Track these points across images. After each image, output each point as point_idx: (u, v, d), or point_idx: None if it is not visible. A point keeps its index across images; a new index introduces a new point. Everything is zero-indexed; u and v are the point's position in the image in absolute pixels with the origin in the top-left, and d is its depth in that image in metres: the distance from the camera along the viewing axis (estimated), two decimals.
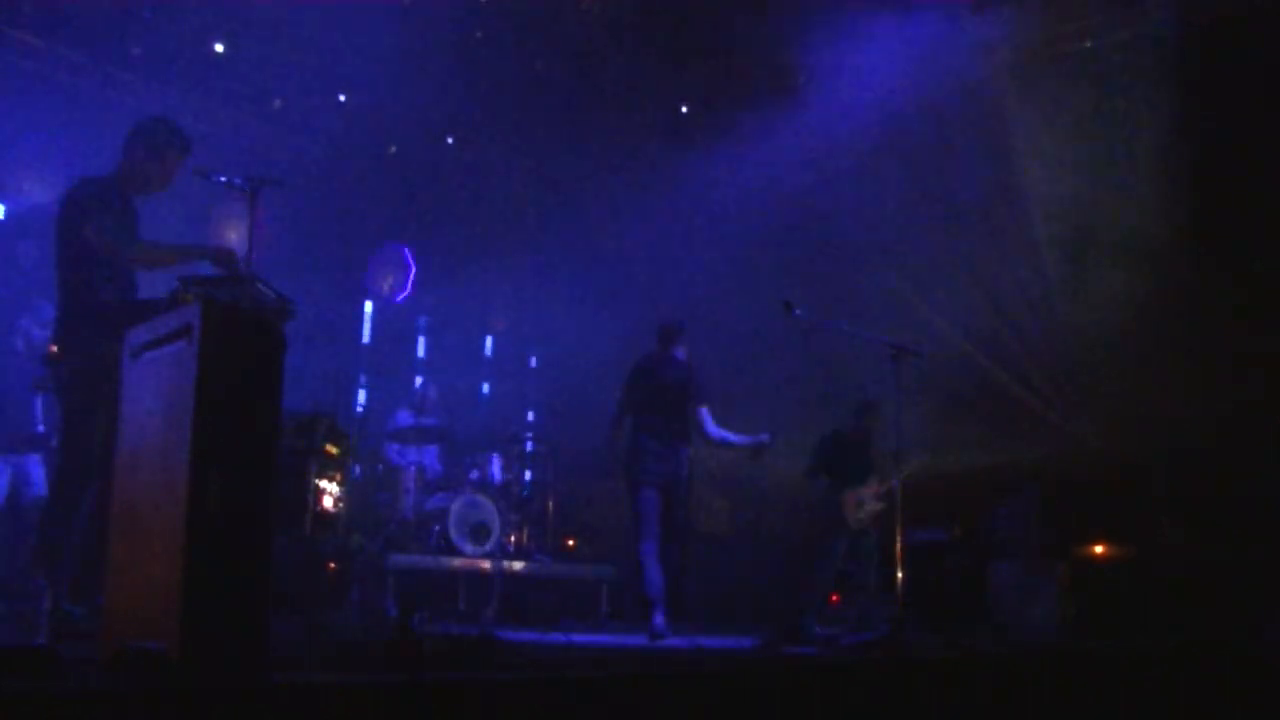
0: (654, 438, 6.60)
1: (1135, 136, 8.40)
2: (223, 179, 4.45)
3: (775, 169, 9.82)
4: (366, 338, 10.88)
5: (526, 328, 11.44)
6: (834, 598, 8.47)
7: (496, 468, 8.77)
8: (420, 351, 11.41)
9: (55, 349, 4.36)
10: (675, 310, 9.51)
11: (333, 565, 6.63)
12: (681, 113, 10.44)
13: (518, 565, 8.27)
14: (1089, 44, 8.77)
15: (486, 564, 8.03)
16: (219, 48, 8.66)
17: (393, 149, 10.36)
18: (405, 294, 10.42)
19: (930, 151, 9.18)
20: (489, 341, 11.63)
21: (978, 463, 8.45)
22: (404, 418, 9.10)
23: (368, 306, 10.91)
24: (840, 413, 8.07)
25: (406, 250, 10.32)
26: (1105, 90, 8.62)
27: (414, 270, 10.21)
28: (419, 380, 10.33)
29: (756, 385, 9.92)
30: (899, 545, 6.34)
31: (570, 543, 9.17)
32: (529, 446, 9.53)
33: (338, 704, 2.59)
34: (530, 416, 11.14)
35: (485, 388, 11.65)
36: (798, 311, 6.07)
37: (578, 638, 5.84)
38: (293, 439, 5.62)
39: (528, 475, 9.70)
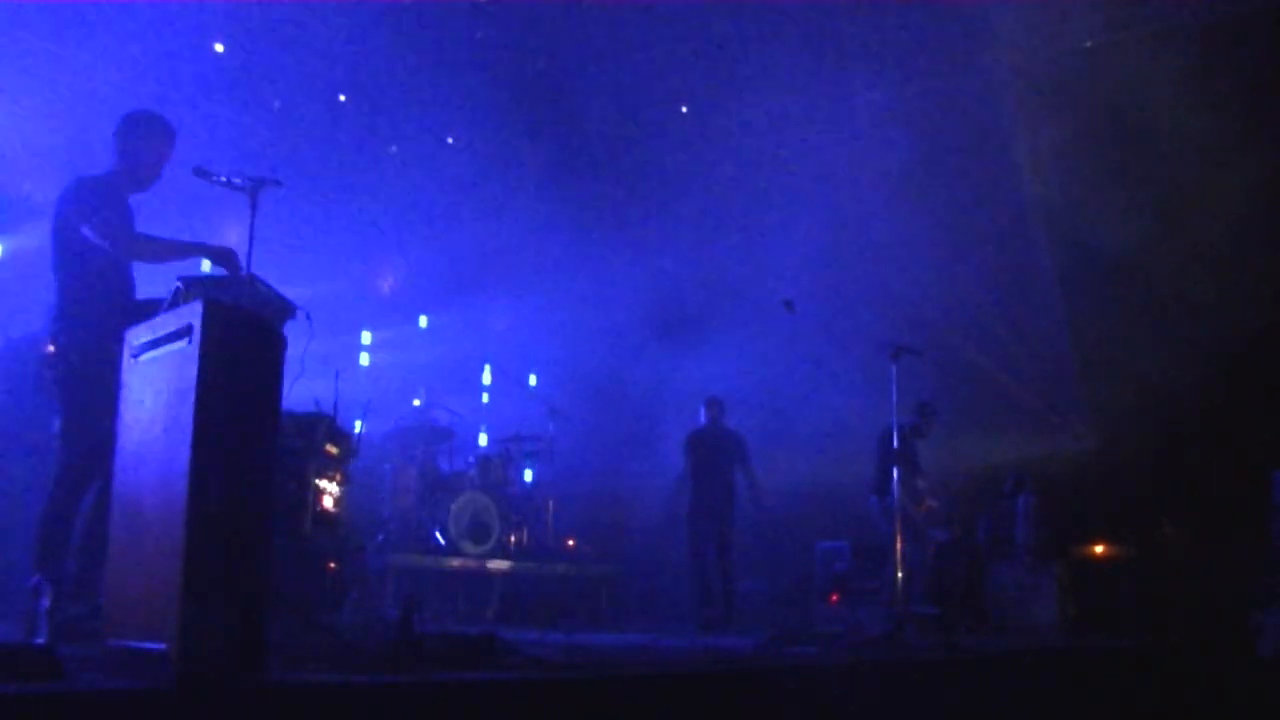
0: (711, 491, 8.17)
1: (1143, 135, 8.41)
2: (223, 179, 4.44)
3: (776, 169, 9.82)
4: (367, 338, 10.89)
5: (528, 327, 11.42)
6: (834, 598, 8.48)
7: (496, 468, 8.76)
8: (422, 351, 11.40)
9: (53, 349, 4.34)
10: (674, 308, 9.55)
11: (333, 565, 6.62)
12: (681, 113, 10.44)
13: (518, 565, 8.27)
14: (1089, 44, 8.78)
15: (486, 564, 8.03)
16: (219, 48, 8.65)
17: (393, 149, 10.36)
18: None
19: (933, 152, 9.19)
20: (489, 341, 11.61)
21: (978, 463, 8.45)
22: (404, 417, 9.10)
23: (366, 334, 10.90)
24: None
25: None
26: (1108, 90, 8.63)
27: None
28: (419, 380, 10.31)
29: (756, 385, 9.93)
30: (899, 546, 6.36)
31: (570, 543, 9.16)
32: (529, 446, 9.53)
33: (338, 704, 2.59)
34: (530, 416, 11.13)
35: (486, 388, 11.65)
36: (799, 310, 6.08)
37: (578, 638, 5.84)
38: (293, 439, 5.60)
39: (528, 475, 9.69)
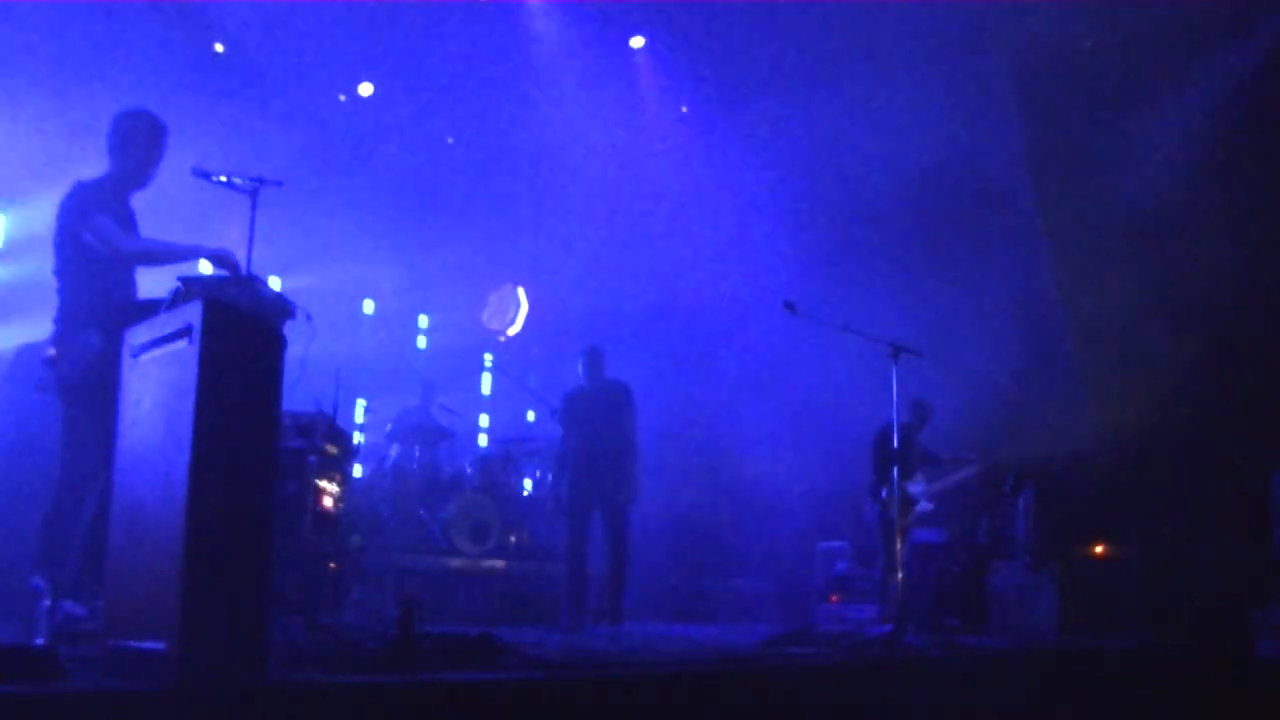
0: (594, 459, 7.04)
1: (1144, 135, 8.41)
2: (223, 179, 4.45)
3: (775, 169, 9.83)
4: (368, 338, 10.88)
5: (527, 327, 11.43)
6: (833, 598, 8.49)
7: (496, 468, 8.76)
8: (421, 351, 11.41)
9: (55, 352, 4.35)
10: (674, 311, 9.52)
11: (333, 565, 6.63)
12: (682, 112, 10.44)
13: (518, 565, 8.26)
14: (1089, 44, 8.78)
15: (486, 564, 8.03)
16: (219, 48, 8.66)
17: (393, 149, 10.37)
18: (515, 330, 10.88)
19: (932, 152, 9.19)
20: (488, 340, 11.61)
21: (978, 463, 8.42)
22: (404, 417, 9.09)
23: (368, 305, 10.90)
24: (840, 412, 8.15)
25: (521, 289, 10.78)
26: (1107, 89, 8.63)
27: (526, 309, 10.82)
28: (419, 379, 10.32)
29: (757, 387, 9.93)
30: (899, 546, 6.36)
31: None
32: (529, 446, 9.52)
33: (338, 704, 2.59)
34: (530, 417, 11.13)
35: (486, 388, 11.64)
36: (799, 311, 6.06)
37: (577, 638, 5.84)
38: (293, 439, 5.61)
39: (528, 475, 9.68)
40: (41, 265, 4.50)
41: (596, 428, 7.06)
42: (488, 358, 11.55)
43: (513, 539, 8.51)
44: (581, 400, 7.25)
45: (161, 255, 4.39)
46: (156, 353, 2.81)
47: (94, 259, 4.30)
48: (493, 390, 11.59)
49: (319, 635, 3.50)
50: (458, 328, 11.15)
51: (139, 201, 4.58)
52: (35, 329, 6.73)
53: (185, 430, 2.56)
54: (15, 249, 7.68)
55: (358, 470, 8.46)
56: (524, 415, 11.15)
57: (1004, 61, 8.98)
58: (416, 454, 8.77)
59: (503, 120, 10.11)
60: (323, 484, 5.83)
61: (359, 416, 9.55)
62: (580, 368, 7.31)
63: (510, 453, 9.06)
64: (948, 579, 8.26)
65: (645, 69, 9.76)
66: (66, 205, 4.36)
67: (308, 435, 5.69)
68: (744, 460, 9.78)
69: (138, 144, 4.49)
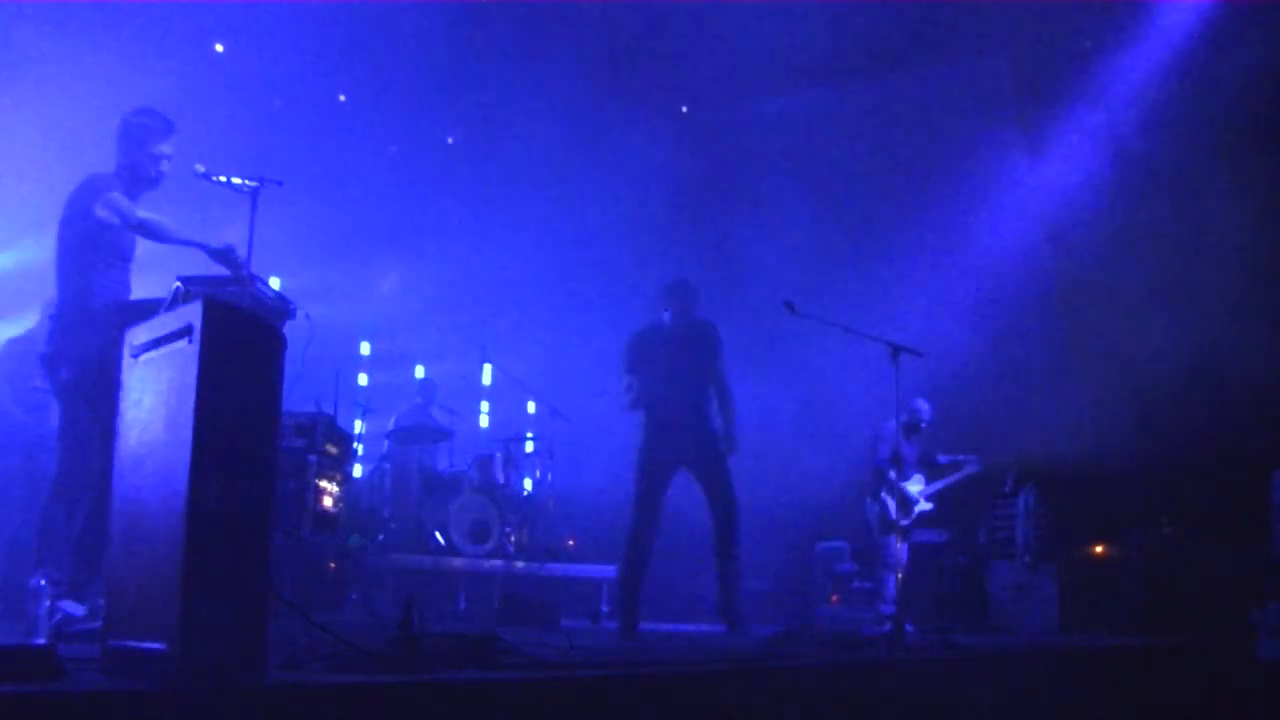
0: (678, 417, 5.89)
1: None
2: (223, 179, 4.46)
3: (775, 169, 9.83)
4: (367, 336, 10.88)
5: (527, 327, 11.42)
6: (834, 598, 8.50)
7: (496, 468, 8.77)
8: (420, 349, 11.39)
9: (52, 350, 4.36)
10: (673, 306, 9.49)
11: (333, 565, 6.63)
12: (682, 112, 10.45)
13: (518, 565, 8.27)
14: (1088, 44, 8.80)
15: (486, 564, 8.03)
16: (219, 48, 8.66)
17: (393, 149, 10.37)
18: None
19: (930, 150, 9.20)
20: (488, 339, 11.60)
21: (979, 463, 8.42)
22: (404, 417, 9.10)
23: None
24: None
25: None
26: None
27: None
28: (419, 379, 10.32)
29: (756, 387, 9.92)
30: (899, 546, 6.36)
31: (570, 543, 9.16)
32: (529, 446, 9.53)
33: (338, 704, 2.59)
34: (531, 416, 11.13)
35: (486, 387, 11.64)
36: (799, 311, 6.05)
37: (578, 638, 5.83)
38: (293, 439, 5.61)
39: (528, 475, 9.69)
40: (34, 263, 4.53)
41: (676, 371, 5.83)
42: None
43: (513, 539, 8.51)
44: (657, 340, 5.93)
45: (168, 233, 4.42)
46: (156, 353, 2.80)
47: (94, 256, 4.32)
48: (492, 390, 11.57)
49: (319, 635, 3.49)
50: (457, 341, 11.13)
51: (149, 202, 4.60)
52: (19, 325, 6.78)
53: (185, 430, 2.56)
54: (12, 248, 7.68)
55: (358, 470, 8.47)
56: (524, 415, 11.14)
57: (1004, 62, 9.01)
58: (416, 454, 8.77)
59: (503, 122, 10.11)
60: (323, 484, 5.83)
61: (358, 418, 9.55)
62: (665, 303, 5.99)
63: (510, 453, 9.07)
64: (948, 579, 8.27)
65: (643, 72, 9.75)
66: (77, 192, 4.41)
67: (308, 435, 5.69)
68: (743, 460, 9.77)
69: (143, 142, 4.52)
